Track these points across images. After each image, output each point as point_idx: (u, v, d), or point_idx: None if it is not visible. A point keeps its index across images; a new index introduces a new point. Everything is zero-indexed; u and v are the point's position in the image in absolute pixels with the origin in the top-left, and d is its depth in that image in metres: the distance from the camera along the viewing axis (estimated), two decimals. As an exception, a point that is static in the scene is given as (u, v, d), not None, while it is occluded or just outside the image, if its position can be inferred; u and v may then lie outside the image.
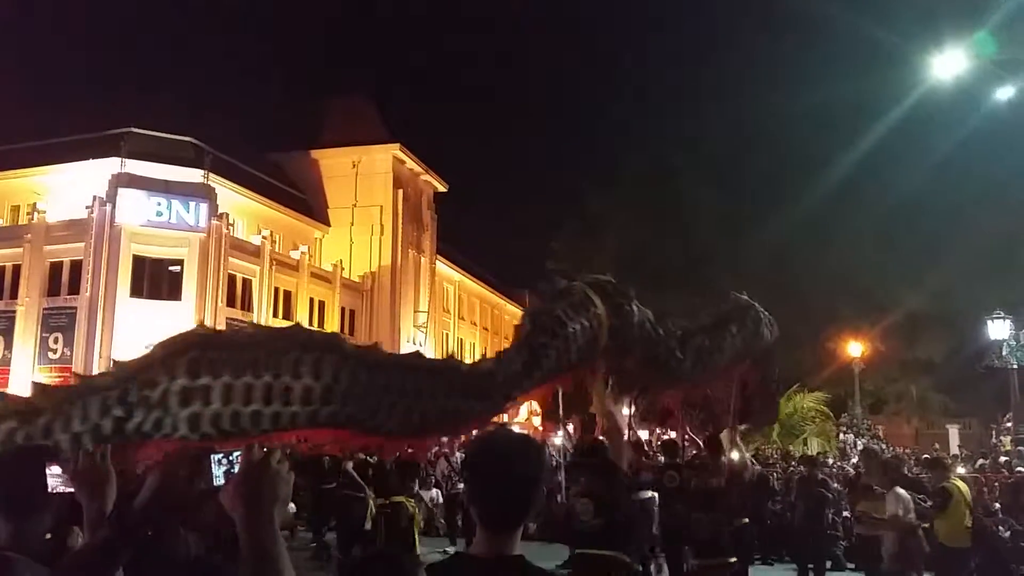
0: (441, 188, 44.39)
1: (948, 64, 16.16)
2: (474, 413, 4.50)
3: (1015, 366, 21.04)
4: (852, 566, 12.70)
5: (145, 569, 2.05)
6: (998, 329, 20.87)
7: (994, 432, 23.84)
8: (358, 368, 4.06)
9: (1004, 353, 20.95)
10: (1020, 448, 18.81)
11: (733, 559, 7.09)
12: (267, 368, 3.80)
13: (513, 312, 58.63)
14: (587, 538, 5.88)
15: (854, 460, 23.16)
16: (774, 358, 7.08)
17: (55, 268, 29.31)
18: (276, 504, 1.48)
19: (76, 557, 1.61)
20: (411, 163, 40.76)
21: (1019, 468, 16.36)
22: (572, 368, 5.12)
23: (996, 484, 14.64)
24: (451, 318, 47.63)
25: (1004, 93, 18.00)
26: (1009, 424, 22.01)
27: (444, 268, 46.13)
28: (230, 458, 1.58)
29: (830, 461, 21.98)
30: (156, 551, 1.95)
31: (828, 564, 11.88)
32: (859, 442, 26.70)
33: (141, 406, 3.63)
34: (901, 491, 8.38)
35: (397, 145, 39.12)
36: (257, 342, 3.97)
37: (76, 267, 28.77)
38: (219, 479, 1.58)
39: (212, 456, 1.58)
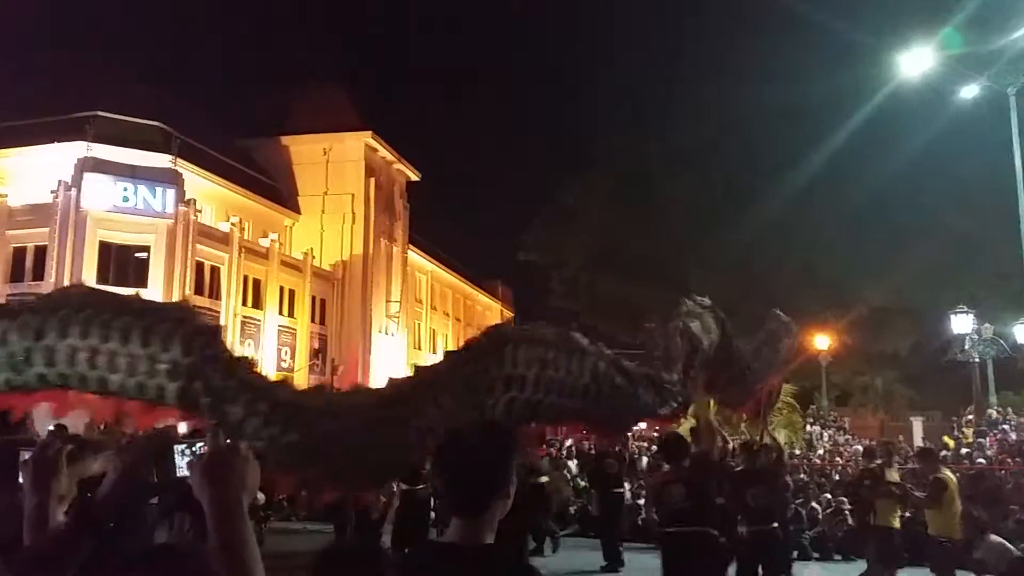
0: (414, 177, 44.19)
1: (915, 61, 16.39)
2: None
3: (977, 359, 21.48)
4: (817, 555, 12.94)
5: (105, 559, 2.02)
6: (961, 323, 21.28)
7: (956, 425, 24.33)
8: None
9: (967, 347, 21.37)
10: (980, 440, 19.21)
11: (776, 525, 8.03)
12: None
13: (485, 303, 58.67)
14: (677, 516, 6.42)
15: (820, 452, 23.54)
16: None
17: (19, 253, 28.74)
18: (243, 489, 1.48)
19: (34, 548, 1.58)
20: (383, 151, 40.49)
21: (980, 460, 16.73)
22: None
23: (958, 475, 14.90)
24: (423, 308, 47.51)
25: (969, 92, 18.33)
26: (971, 416, 22.48)
27: (416, 258, 45.97)
28: (193, 448, 1.56)
29: (797, 452, 22.30)
30: (118, 541, 1.92)
31: (794, 554, 12.10)
32: (825, 434, 27.13)
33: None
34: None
35: (369, 133, 38.83)
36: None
37: (40, 253, 28.23)
38: (182, 469, 1.57)
39: (175, 447, 1.57)
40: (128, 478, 1.59)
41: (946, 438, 22.62)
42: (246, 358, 4.37)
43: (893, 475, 9.23)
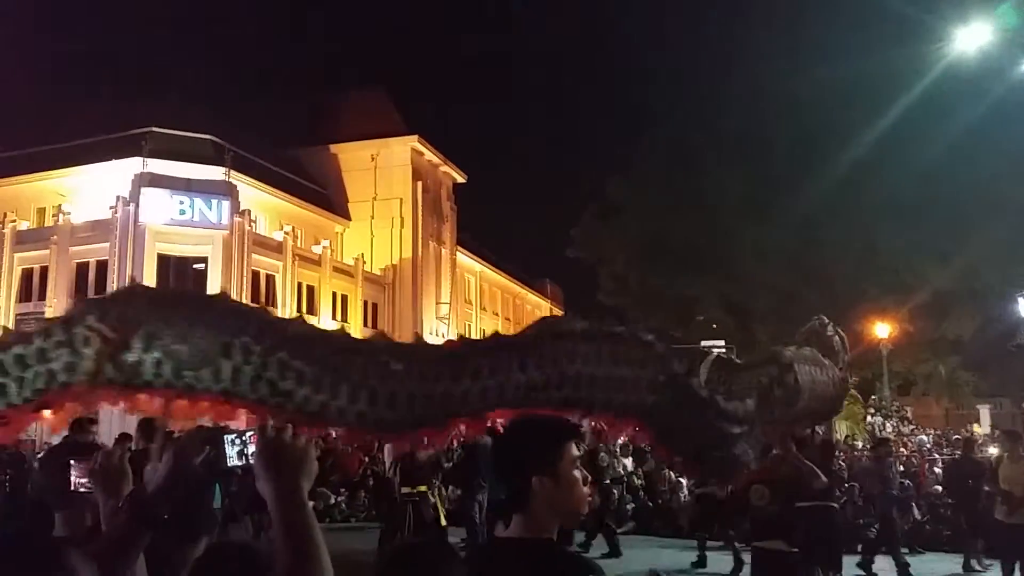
0: (460, 179, 44.39)
1: (972, 37, 15.88)
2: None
3: (1047, 343, 20.73)
4: (884, 548, 12.58)
5: (170, 551, 2.07)
6: (1029, 306, 20.56)
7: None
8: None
9: (1035, 330, 20.64)
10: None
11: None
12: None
13: (535, 301, 58.66)
14: (763, 527, 6.26)
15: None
16: None
17: (81, 269, 29.69)
18: (302, 475, 1.48)
19: (98, 546, 1.62)
20: (429, 154, 40.78)
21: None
22: None
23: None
24: (473, 309, 47.72)
25: (1030, 66, 17.68)
26: (1042, 402, 21.69)
27: (465, 259, 46.18)
28: (243, 438, 1.57)
29: (859, 445, 21.78)
30: (178, 534, 1.95)
31: (858, 548, 11.86)
32: (888, 424, 26.44)
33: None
34: None
35: (415, 137, 39.14)
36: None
37: (102, 267, 29.12)
38: (232, 459, 1.58)
39: (225, 437, 1.57)
40: (178, 471, 1.61)
41: None
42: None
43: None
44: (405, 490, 10.21)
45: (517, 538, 2.04)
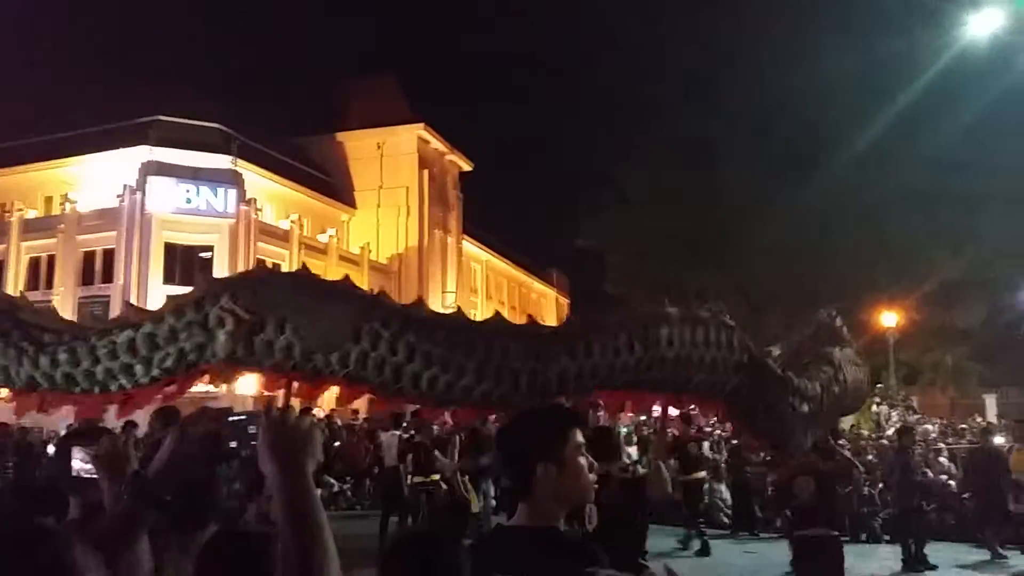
0: (467, 167, 44.30)
1: (985, 22, 15.74)
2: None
3: (1055, 333, 20.60)
4: (888, 538, 12.59)
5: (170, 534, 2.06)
6: (1037, 295, 20.42)
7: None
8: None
9: (1043, 320, 20.51)
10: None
11: None
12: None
13: (541, 290, 58.59)
14: (806, 515, 6.62)
15: (889, 432, 22.87)
16: None
17: (88, 257, 29.75)
18: (308, 459, 1.46)
19: (100, 529, 1.61)
20: (436, 143, 40.69)
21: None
22: None
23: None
24: (479, 298, 47.69)
25: (1042, 52, 17.51)
26: (1049, 392, 21.59)
27: (471, 248, 46.14)
28: (247, 420, 1.55)
29: (864, 433, 21.71)
30: (181, 516, 1.95)
31: (863, 536, 11.90)
32: (893, 414, 26.37)
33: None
34: None
35: (421, 125, 39.05)
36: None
37: (109, 256, 29.18)
38: (236, 442, 1.56)
39: (227, 418, 1.55)
40: (181, 452, 1.59)
41: None
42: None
43: None
44: (418, 479, 10.17)
45: (521, 526, 2.03)
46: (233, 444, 1.53)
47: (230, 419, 1.56)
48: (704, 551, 11.09)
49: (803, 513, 6.80)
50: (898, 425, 22.50)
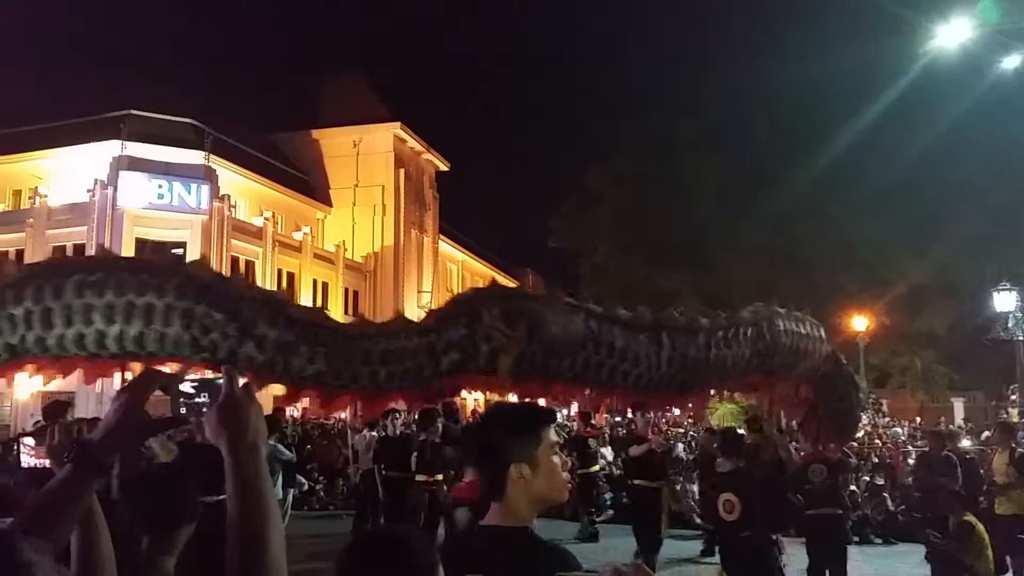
0: (443, 167, 44.20)
1: (953, 33, 15.98)
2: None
3: (1021, 338, 20.96)
4: (857, 539, 12.73)
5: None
6: (1004, 301, 20.76)
7: (997, 405, 23.81)
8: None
9: (1010, 325, 20.86)
10: (1025, 420, 18.76)
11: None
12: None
13: (517, 291, 58.60)
14: (816, 498, 7.55)
15: (858, 434, 23.14)
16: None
17: (58, 252, 29.09)
18: (259, 436, 1.44)
19: (43, 496, 1.54)
20: (412, 142, 40.55)
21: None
22: None
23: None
24: (455, 297, 47.56)
25: (1011, 62, 17.81)
26: (1015, 396, 22.00)
27: (447, 248, 46.03)
28: (194, 386, 1.49)
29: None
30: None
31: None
32: (863, 416, 26.71)
33: None
34: None
35: (398, 124, 38.89)
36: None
37: (79, 251, 28.64)
38: (183, 408, 1.49)
39: (180, 384, 1.49)
40: (128, 417, 1.52)
41: (1012, 411, 22.01)
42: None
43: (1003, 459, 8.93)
44: (421, 478, 10.06)
45: (493, 526, 2.03)
46: (183, 410, 1.48)
47: (180, 386, 1.50)
48: (594, 538, 12.14)
49: (814, 496, 7.65)
50: (892, 427, 22.73)
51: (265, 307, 3.97)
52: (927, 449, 12.26)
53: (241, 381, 1.46)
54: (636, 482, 10.10)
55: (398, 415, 10.81)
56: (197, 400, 1.48)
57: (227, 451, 1.41)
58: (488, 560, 1.97)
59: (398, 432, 10.94)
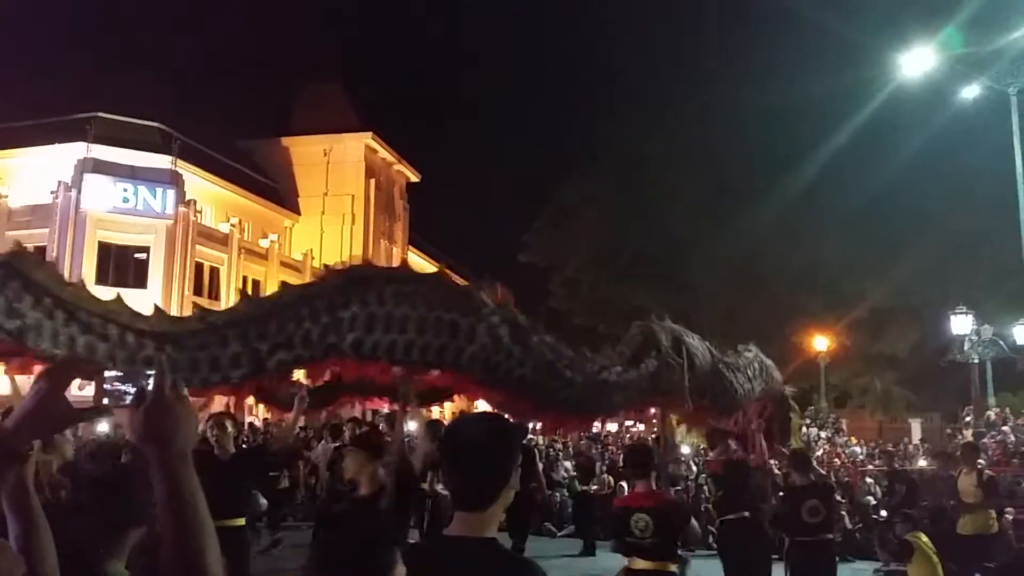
0: (414, 178, 44.16)
1: (916, 62, 16.40)
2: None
3: (976, 361, 21.41)
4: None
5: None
6: (960, 324, 21.19)
7: (954, 428, 24.28)
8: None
9: (966, 348, 21.29)
10: (981, 442, 19.13)
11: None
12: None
13: (484, 304, 58.60)
14: (813, 528, 7.33)
15: (818, 453, 23.43)
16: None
17: (17, 254, 28.67)
18: (189, 442, 1.34)
19: None
20: (383, 152, 40.49)
21: (980, 462, 16.64)
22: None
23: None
24: (422, 309, 47.42)
25: (970, 92, 18.34)
26: (969, 418, 22.43)
27: (416, 259, 45.87)
28: (120, 379, 1.39)
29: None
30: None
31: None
32: (821, 435, 27.08)
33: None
34: None
35: (369, 134, 38.82)
36: None
37: (40, 253, 28.09)
38: (112, 399, 1.38)
39: (107, 372, 1.40)
40: (46, 405, 1.45)
41: (966, 433, 22.45)
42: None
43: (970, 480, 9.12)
44: (425, 486, 9.97)
45: (462, 536, 2.03)
46: (105, 400, 1.39)
47: (105, 374, 1.40)
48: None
49: (808, 527, 7.60)
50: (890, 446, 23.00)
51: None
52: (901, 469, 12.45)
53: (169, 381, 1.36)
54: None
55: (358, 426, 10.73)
56: (121, 388, 1.38)
57: (154, 459, 1.31)
58: (456, 571, 1.98)
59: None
